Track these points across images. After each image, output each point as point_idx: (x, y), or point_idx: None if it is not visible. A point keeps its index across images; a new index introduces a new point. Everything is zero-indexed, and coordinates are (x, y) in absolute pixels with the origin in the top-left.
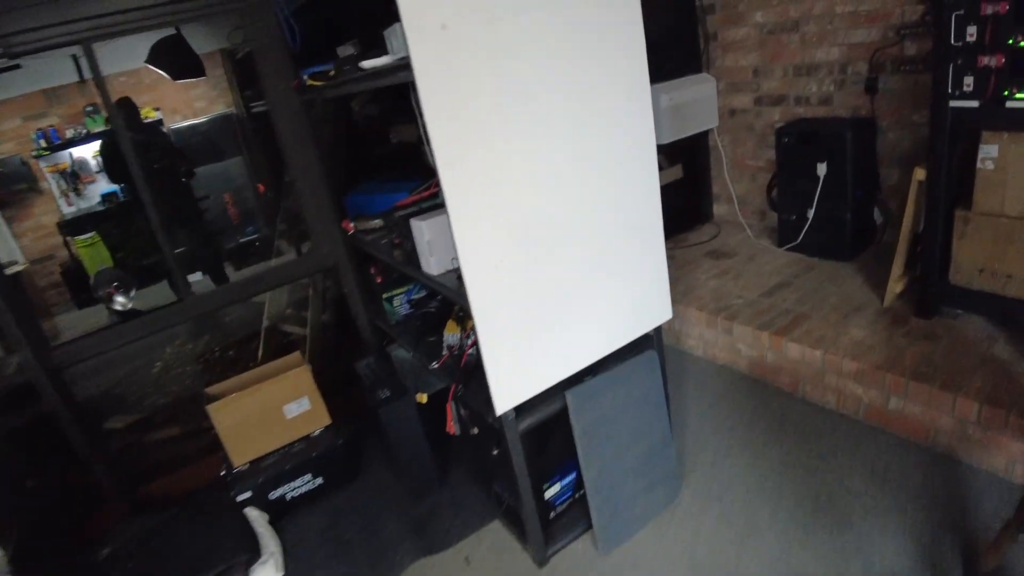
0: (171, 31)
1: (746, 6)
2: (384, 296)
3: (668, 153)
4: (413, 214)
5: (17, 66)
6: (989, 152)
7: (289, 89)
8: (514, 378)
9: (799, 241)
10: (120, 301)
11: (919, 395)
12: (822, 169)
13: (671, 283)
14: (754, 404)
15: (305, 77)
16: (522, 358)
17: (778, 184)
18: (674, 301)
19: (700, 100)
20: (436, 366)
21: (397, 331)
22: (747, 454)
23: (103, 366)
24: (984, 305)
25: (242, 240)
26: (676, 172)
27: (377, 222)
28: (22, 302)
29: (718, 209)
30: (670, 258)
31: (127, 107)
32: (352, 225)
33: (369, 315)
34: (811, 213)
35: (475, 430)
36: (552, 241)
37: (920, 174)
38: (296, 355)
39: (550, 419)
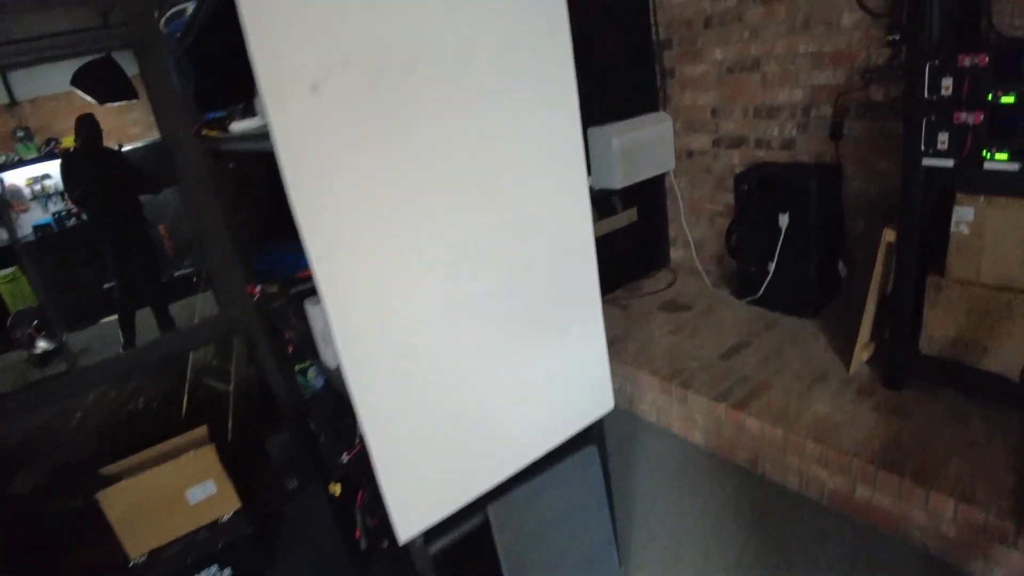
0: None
1: (704, 42)
2: (297, 367)
3: (622, 195)
4: (312, 291)
5: None
6: (964, 215)
7: (188, 134)
8: (421, 497)
9: (760, 295)
10: (42, 345)
11: (888, 485)
12: (784, 220)
13: (623, 338)
14: (710, 483)
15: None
16: (430, 473)
17: (737, 233)
18: (627, 361)
19: (655, 141)
20: (347, 459)
21: (311, 407)
22: (701, 547)
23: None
24: (957, 378)
25: (177, 274)
26: (630, 215)
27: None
28: None
29: (675, 254)
30: (623, 308)
31: (90, 124)
32: (257, 289)
33: (287, 383)
34: (772, 266)
35: (386, 543)
36: (464, 330)
37: (890, 236)
38: (201, 430)
39: (470, 534)
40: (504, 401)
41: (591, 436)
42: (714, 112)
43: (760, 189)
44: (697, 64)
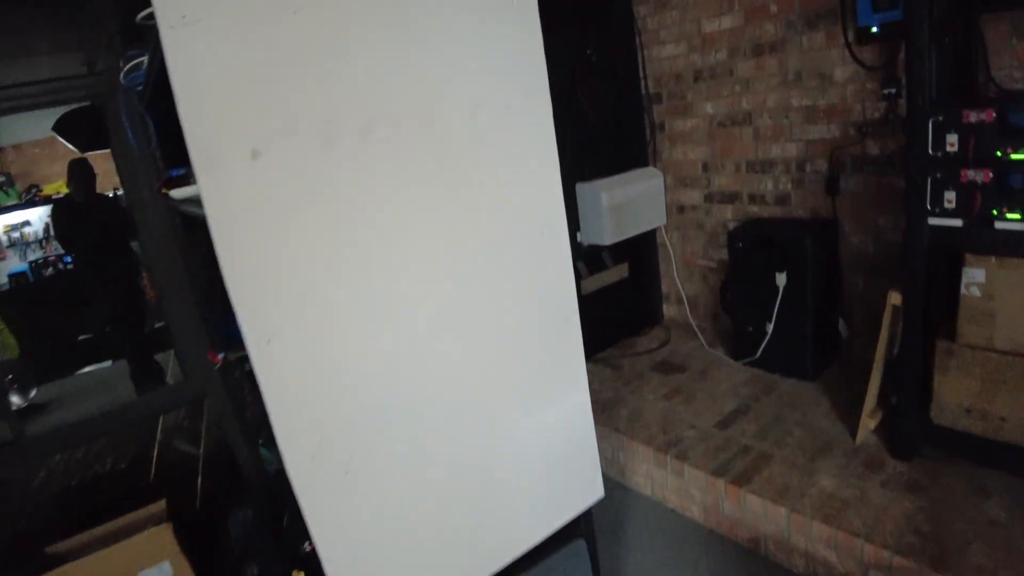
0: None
1: (695, 96)
2: (260, 441)
3: (612, 250)
4: None
5: None
6: (975, 277)
7: (150, 191)
8: None
9: (757, 356)
10: (15, 400)
11: (905, 572)
12: (782, 280)
13: (615, 402)
14: (709, 564)
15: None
16: None
17: (732, 291)
18: (619, 428)
19: (646, 197)
20: (308, 548)
21: (276, 483)
22: None
23: None
24: (973, 449)
25: (158, 325)
26: (621, 271)
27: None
28: None
29: (668, 310)
30: (615, 368)
31: (83, 170)
32: (220, 357)
33: (250, 457)
34: (770, 327)
35: None
36: (432, 417)
37: (895, 298)
38: (160, 505)
39: None
40: (478, 494)
41: (579, 528)
42: (705, 167)
43: (755, 246)
44: (687, 118)
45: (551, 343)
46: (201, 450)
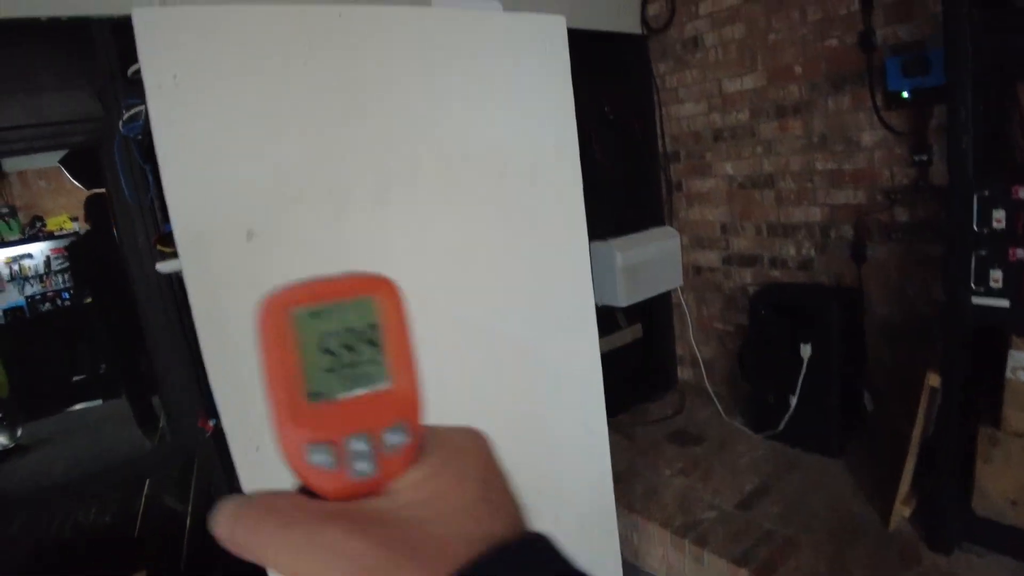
0: None
1: (714, 156)
2: None
3: (626, 309)
4: None
5: None
6: (1022, 361)
7: (145, 245)
8: None
9: (779, 429)
10: (1, 441)
11: None
12: (806, 351)
13: (629, 475)
14: None
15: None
16: None
17: (752, 359)
18: (633, 507)
19: (662, 257)
20: None
21: None
22: None
23: None
24: (1019, 545)
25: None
26: (635, 332)
27: None
28: None
29: (683, 373)
30: (628, 437)
31: (100, 205)
32: (211, 424)
33: None
34: (794, 400)
35: None
36: None
37: (933, 380)
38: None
39: None
40: None
41: None
42: (724, 228)
43: (777, 313)
44: (706, 178)
45: (576, 428)
46: (189, 507)
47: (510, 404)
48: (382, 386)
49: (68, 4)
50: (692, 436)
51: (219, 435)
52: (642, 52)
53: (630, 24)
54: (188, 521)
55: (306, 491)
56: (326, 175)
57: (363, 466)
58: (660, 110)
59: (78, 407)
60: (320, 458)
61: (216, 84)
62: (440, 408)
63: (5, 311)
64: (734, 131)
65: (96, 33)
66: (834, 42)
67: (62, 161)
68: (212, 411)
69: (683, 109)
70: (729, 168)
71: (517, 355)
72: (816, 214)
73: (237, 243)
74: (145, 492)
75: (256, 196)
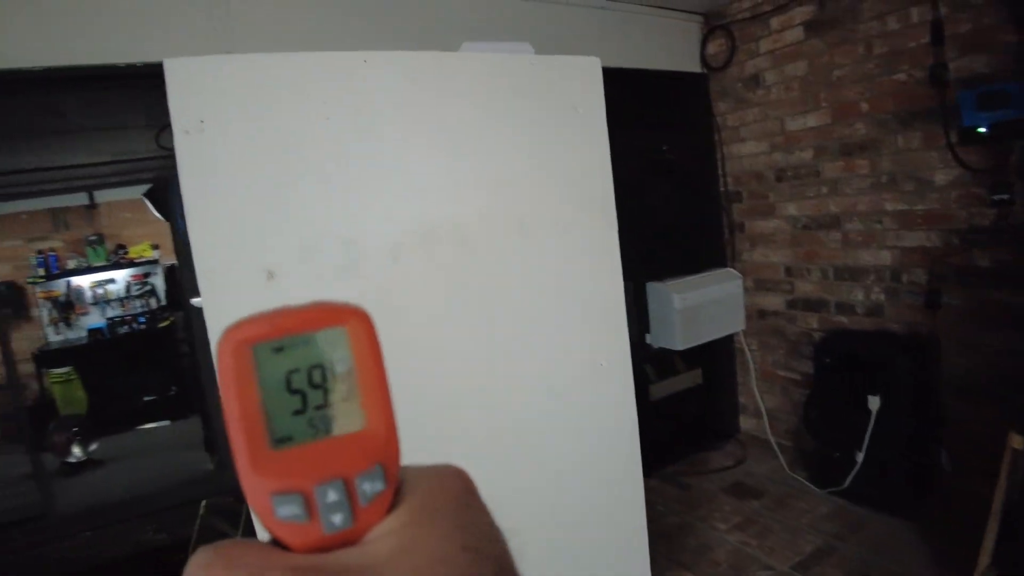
0: None
1: (777, 196)
2: None
3: (685, 352)
4: None
5: None
6: None
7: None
8: None
9: (845, 486)
10: (76, 452)
11: None
12: (875, 403)
13: (680, 530)
14: None
15: None
16: None
17: (817, 410)
18: (682, 563)
19: (723, 300)
20: None
21: None
22: None
23: None
24: None
25: None
26: (694, 377)
27: None
28: None
29: (745, 423)
30: (683, 488)
31: None
32: None
33: None
34: (860, 456)
35: None
36: None
37: (1016, 441)
38: None
39: None
40: None
41: None
42: (788, 271)
43: (844, 362)
44: (769, 219)
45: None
46: (239, 533)
47: (537, 454)
48: (355, 427)
49: (142, 52)
50: (751, 489)
51: None
52: (702, 91)
53: (689, 63)
54: None
55: (278, 541)
56: (341, 225)
57: (337, 518)
58: (721, 149)
59: (148, 426)
60: (289, 511)
61: (240, 130)
62: (466, 458)
63: (89, 331)
64: (797, 171)
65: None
66: (902, 76)
67: (146, 194)
68: None
69: (744, 148)
70: (792, 209)
71: (544, 404)
72: (886, 257)
73: (257, 282)
74: (200, 514)
75: (276, 239)
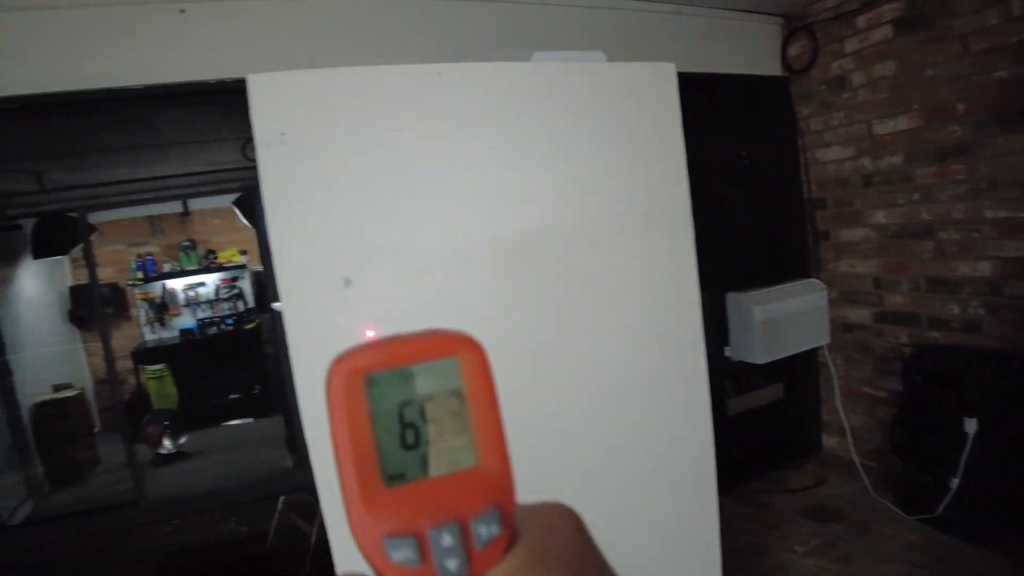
0: None
1: (864, 203)
2: None
3: (765, 367)
4: None
5: (17, 226)
6: None
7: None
8: None
9: (937, 514)
10: (167, 444)
11: None
12: (971, 425)
13: (753, 551)
14: None
15: None
16: None
17: (907, 431)
18: None
19: (805, 312)
20: None
21: None
22: None
23: None
24: None
25: None
26: (775, 392)
27: None
28: None
29: (827, 441)
30: (758, 507)
31: None
32: None
33: None
34: (955, 482)
35: None
36: None
37: None
38: None
39: None
40: None
41: None
42: (877, 282)
43: (937, 381)
44: (856, 227)
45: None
46: (315, 529)
47: (605, 469)
48: (468, 464)
49: (230, 69)
50: (832, 512)
51: None
52: (783, 95)
53: (769, 66)
54: (312, 543)
55: None
56: (412, 234)
57: (452, 564)
58: (803, 155)
59: (232, 423)
60: (402, 555)
61: (318, 142)
62: (535, 476)
63: (181, 331)
64: (886, 176)
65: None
66: (1003, 74)
67: (234, 202)
68: None
69: (829, 153)
70: (881, 216)
71: (614, 416)
72: (985, 268)
73: (335, 289)
74: (278, 509)
75: (352, 247)
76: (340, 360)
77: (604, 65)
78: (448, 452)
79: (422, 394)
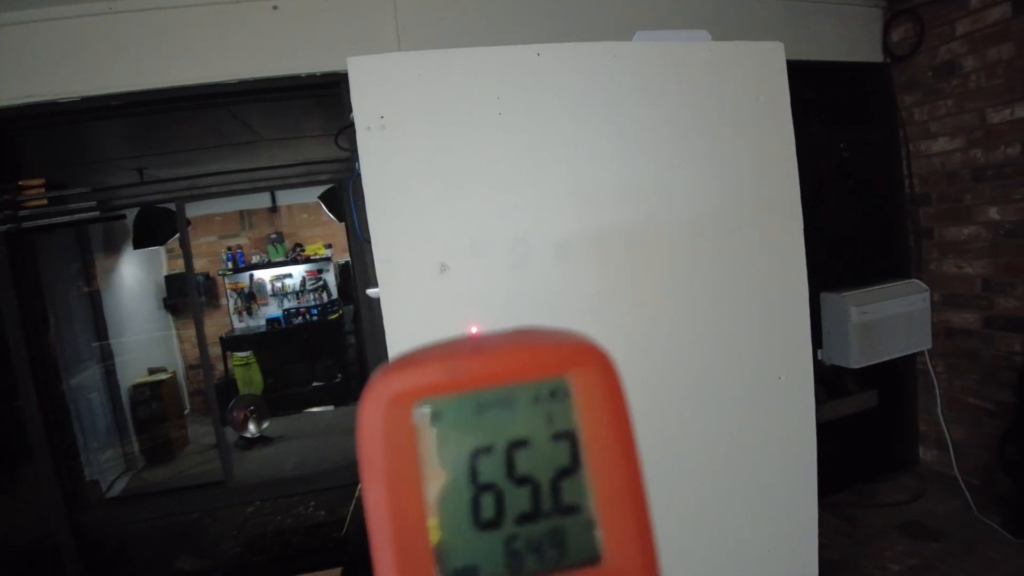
0: None
1: (975, 199)
2: None
3: (859, 372)
4: None
5: (122, 216)
6: None
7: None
8: None
9: None
10: (251, 429)
11: None
12: None
13: (842, 568)
14: None
15: None
16: None
17: (1019, 448)
18: None
19: (905, 315)
20: None
21: None
22: None
23: None
24: None
25: None
26: (868, 399)
27: None
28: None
29: (925, 454)
30: (848, 520)
31: None
32: None
33: None
34: None
35: None
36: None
37: None
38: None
39: None
40: None
41: None
42: (987, 285)
43: None
44: (964, 225)
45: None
46: None
47: (703, 472)
48: (586, 555)
49: (321, 62)
50: (929, 530)
51: None
52: (884, 83)
53: (870, 52)
54: None
55: None
56: (511, 222)
57: None
58: (906, 147)
59: (314, 410)
60: None
61: (417, 126)
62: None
63: (267, 320)
64: (1001, 169)
65: (343, 85)
66: None
67: (321, 197)
68: None
69: (935, 145)
70: (994, 213)
71: (713, 417)
72: None
73: (431, 274)
74: (356, 496)
75: (450, 232)
76: (380, 377)
77: (710, 44)
78: (552, 536)
79: (509, 436)
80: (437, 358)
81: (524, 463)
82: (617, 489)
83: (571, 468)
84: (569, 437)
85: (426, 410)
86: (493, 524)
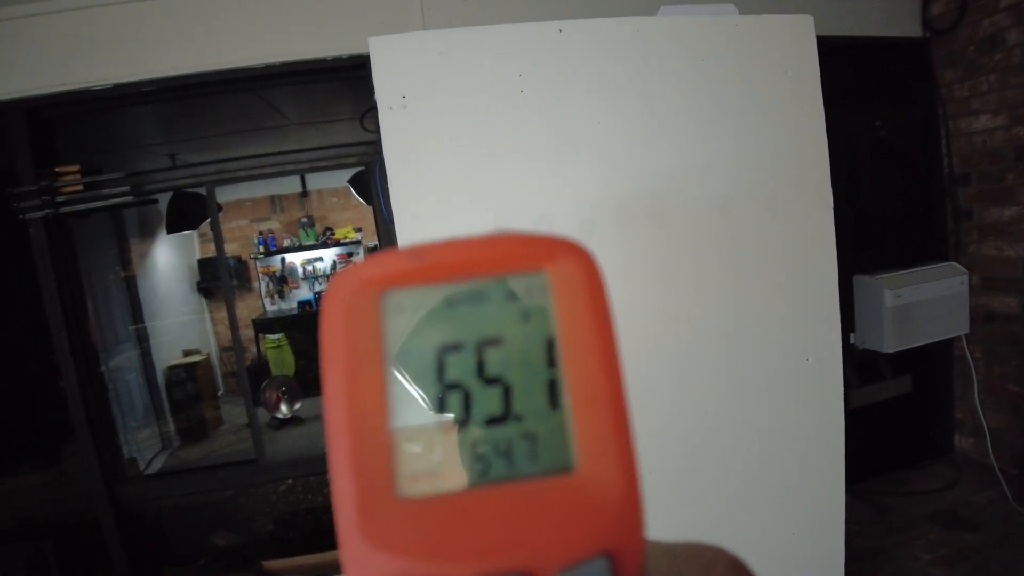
0: None
1: (1017, 179)
2: None
3: (893, 357)
4: None
5: (155, 200)
6: None
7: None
8: None
9: None
10: (283, 409)
11: None
12: None
13: (872, 555)
14: None
15: None
16: None
17: None
18: None
19: (942, 299)
20: None
21: None
22: None
23: None
24: None
25: None
26: (902, 385)
27: None
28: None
29: (960, 442)
30: (879, 509)
31: None
32: None
33: None
34: None
35: None
36: None
37: None
38: None
39: None
40: None
41: None
42: None
43: None
44: (1006, 206)
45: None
46: None
47: (728, 455)
48: (559, 465)
49: (347, 45)
50: (964, 520)
51: None
52: (923, 58)
53: (908, 27)
54: None
55: None
56: (535, 199)
57: None
58: (946, 125)
59: None
60: None
61: (439, 105)
62: (650, 456)
63: (299, 303)
64: None
65: (368, 67)
66: None
67: (350, 180)
68: None
69: (976, 123)
70: None
71: (740, 401)
72: None
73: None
74: None
75: (473, 211)
76: (344, 272)
77: (737, 18)
78: (523, 441)
79: (479, 334)
80: (410, 251)
81: (495, 363)
82: (595, 394)
83: (546, 370)
84: (545, 337)
85: (393, 299)
86: (460, 426)
